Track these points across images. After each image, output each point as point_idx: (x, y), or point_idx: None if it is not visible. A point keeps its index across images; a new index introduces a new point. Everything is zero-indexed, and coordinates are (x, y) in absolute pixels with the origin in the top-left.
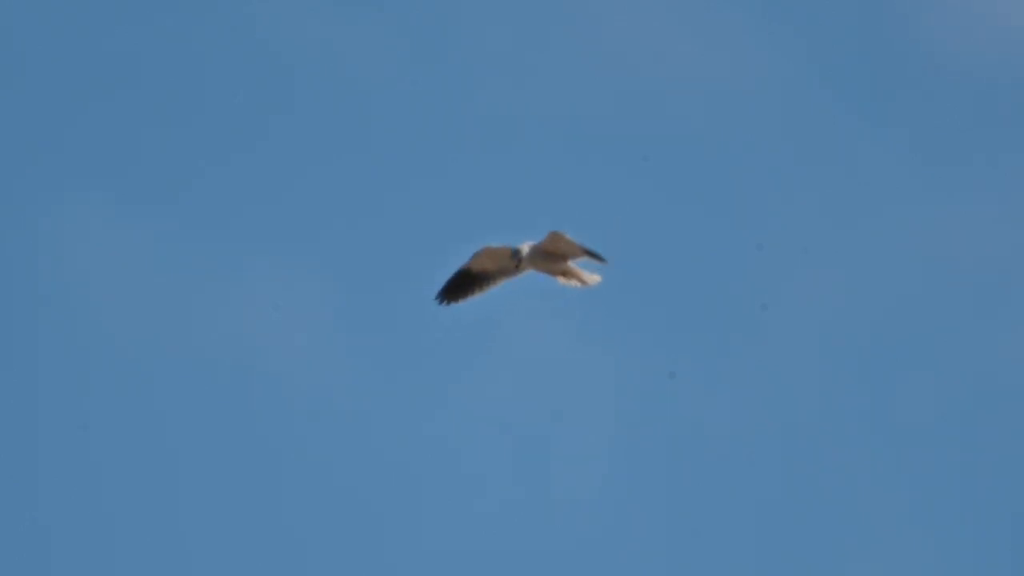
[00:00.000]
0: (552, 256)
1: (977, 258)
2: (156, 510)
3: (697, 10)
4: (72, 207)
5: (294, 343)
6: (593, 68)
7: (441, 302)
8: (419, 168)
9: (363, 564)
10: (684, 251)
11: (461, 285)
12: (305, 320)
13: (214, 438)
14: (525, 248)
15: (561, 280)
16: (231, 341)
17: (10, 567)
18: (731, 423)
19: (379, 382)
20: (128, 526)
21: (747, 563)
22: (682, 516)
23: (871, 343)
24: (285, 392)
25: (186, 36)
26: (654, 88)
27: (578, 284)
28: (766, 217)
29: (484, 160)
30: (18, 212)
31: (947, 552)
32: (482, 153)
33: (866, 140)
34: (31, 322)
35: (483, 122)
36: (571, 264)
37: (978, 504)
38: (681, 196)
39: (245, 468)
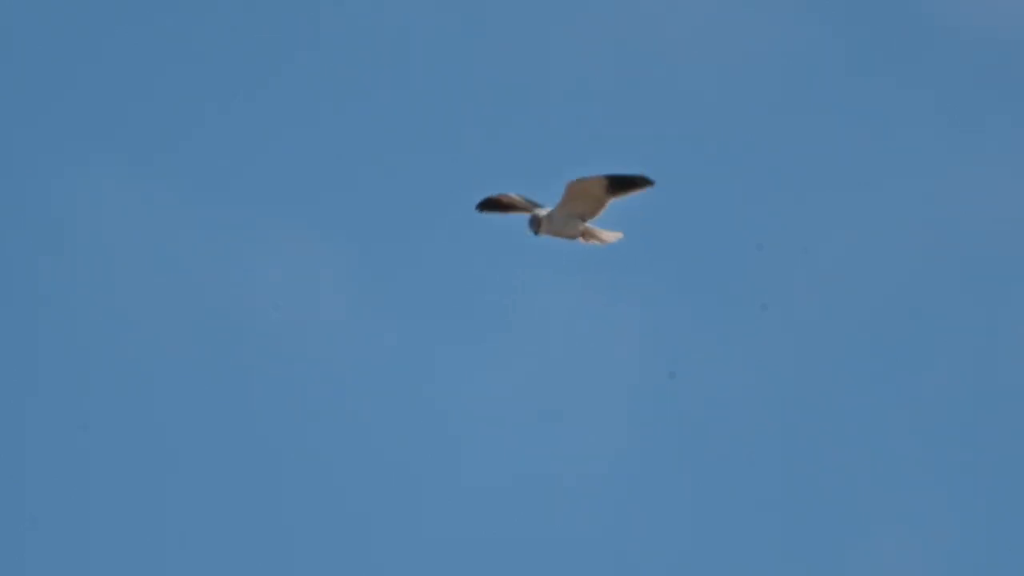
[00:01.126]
0: (573, 216)
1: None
2: (166, 466)
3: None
4: (81, 170)
5: (307, 303)
6: (599, 50)
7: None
8: (438, 132)
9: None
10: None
11: (494, 206)
12: (318, 280)
13: (230, 404)
14: (542, 212)
15: (581, 241)
16: (243, 305)
17: (9, 562)
18: (731, 422)
19: (392, 347)
20: (135, 486)
21: (746, 560)
22: (693, 509)
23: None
24: (299, 353)
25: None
26: (664, 62)
27: (598, 243)
28: (770, 205)
29: (498, 129)
30: (28, 179)
31: (948, 551)
32: (495, 122)
33: (881, 110)
34: (48, 292)
35: (501, 90)
36: (590, 225)
37: (983, 501)
38: (679, 196)
39: (259, 433)
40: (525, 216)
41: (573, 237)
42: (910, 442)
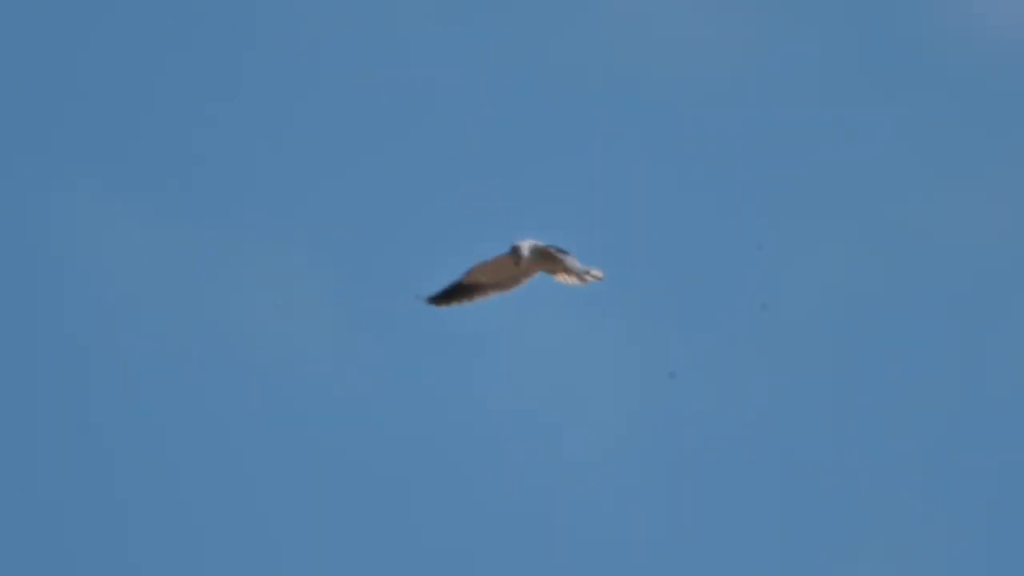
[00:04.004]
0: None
1: (977, 255)
2: (155, 490)
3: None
4: (60, 197)
5: (291, 331)
6: (599, 61)
7: (429, 303)
8: (427, 161)
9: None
10: (685, 249)
11: (453, 295)
12: (302, 308)
13: (213, 428)
14: (525, 247)
15: (562, 278)
16: (229, 329)
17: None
18: (730, 421)
19: (379, 372)
20: (133, 497)
21: (742, 560)
22: (689, 515)
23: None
24: (284, 381)
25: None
26: (661, 85)
27: (578, 282)
28: (766, 214)
29: (492, 157)
30: (7, 205)
31: (950, 550)
32: (490, 149)
33: (869, 135)
34: (31, 315)
35: (490, 116)
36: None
37: (981, 504)
38: (679, 196)
39: (246, 456)
40: (486, 299)
41: (555, 271)
42: (884, 466)
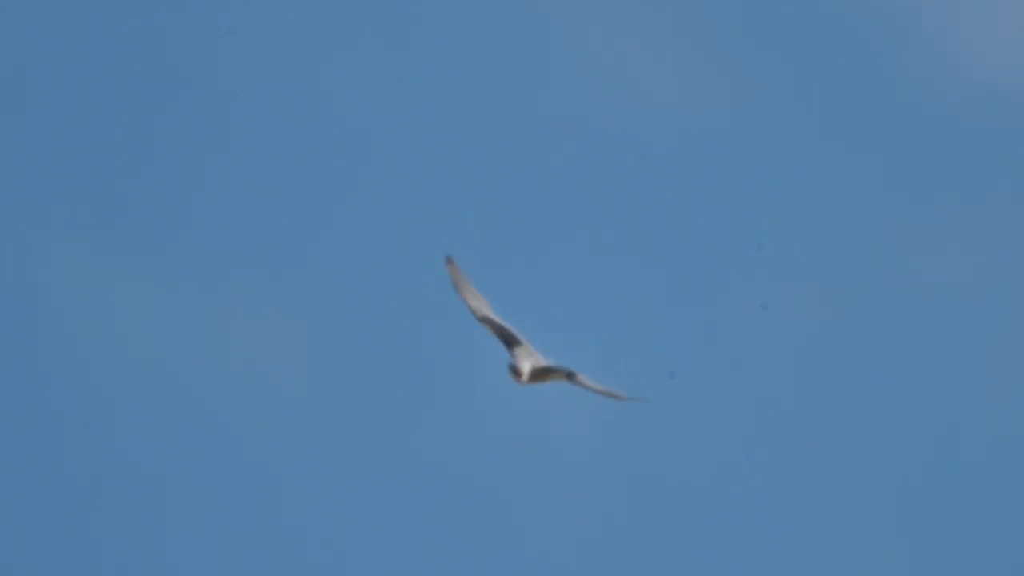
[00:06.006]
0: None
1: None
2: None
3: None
4: (42, 254)
5: (278, 375)
6: (584, 76)
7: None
8: (404, 191)
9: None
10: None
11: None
12: (288, 352)
13: (199, 472)
14: (525, 369)
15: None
16: (216, 376)
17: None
18: (730, 423)
19: (367, 406)
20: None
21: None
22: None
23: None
24: (274, 424)
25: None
26: (635, 111)
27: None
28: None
29: (470, 177)
30: None
31: (935, 559)
32: (467, 171)
33: (848, 172)
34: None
35: (467, 139)
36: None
37: (968, 511)
38: (674, 201)
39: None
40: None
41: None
42: (857, 506)
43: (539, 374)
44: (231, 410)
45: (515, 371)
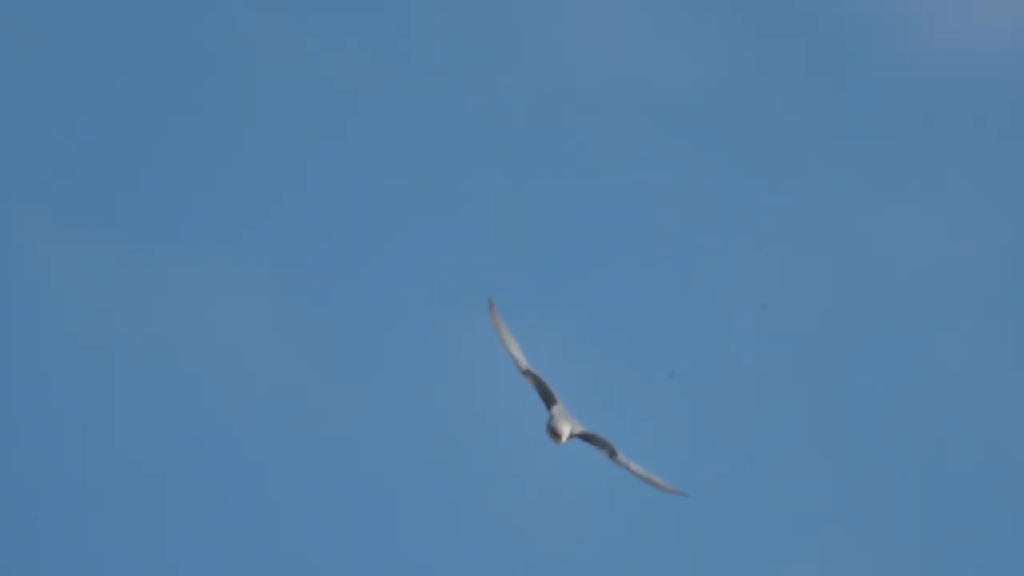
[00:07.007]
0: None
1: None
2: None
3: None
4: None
5: (278, 375)
6: (564, 68)
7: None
8: (390, 180)
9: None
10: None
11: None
12: (288, 351)
13: (199, 472)
14: (564, 432)
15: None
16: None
17: None
18: (729, 422)
19: (366, 406)
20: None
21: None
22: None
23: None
24: (243, 395)
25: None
26: (616, 91)
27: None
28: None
29: (471, 177)
30: None
31: (920, 554)
32: (468, 171)
33: (827, 145)
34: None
35: (453, 129)
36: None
37: (951, 508)
38: (669, 200)
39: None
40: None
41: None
42: (857, 506)
43: (576, 437)
44: (231, 410)
45: (554, 433)
